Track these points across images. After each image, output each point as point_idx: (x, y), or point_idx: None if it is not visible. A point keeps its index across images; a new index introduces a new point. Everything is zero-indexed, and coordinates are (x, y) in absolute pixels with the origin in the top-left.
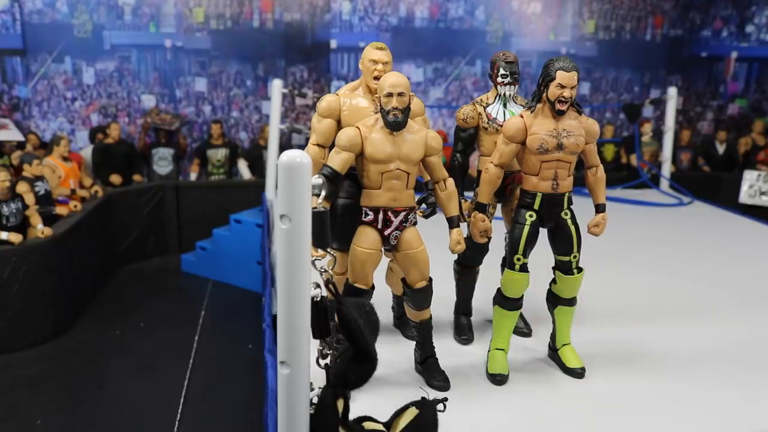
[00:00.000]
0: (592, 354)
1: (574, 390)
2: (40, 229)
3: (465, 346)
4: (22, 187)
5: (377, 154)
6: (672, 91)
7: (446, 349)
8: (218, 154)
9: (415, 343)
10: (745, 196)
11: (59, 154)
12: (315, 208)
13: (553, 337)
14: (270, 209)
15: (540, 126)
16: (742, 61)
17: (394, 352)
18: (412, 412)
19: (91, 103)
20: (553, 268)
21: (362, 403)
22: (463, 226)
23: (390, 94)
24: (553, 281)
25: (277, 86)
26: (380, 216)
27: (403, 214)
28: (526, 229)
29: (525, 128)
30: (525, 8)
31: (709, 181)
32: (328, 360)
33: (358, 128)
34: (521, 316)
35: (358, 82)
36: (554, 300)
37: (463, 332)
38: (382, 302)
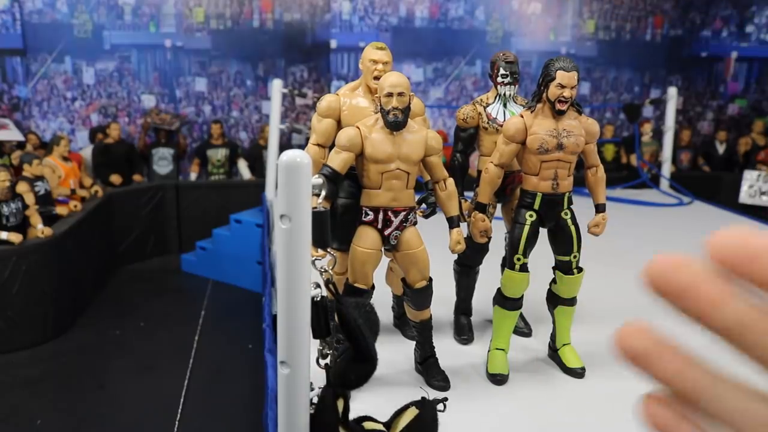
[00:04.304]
0: (592, 354)
1: (574, 390)
2: (40, 229)
3: (465, 346)
4: (22, 187)
5: (377, 154)
6: (672, 91)
7: (446, 349)
8: (218, 154)
9: (415, 343)
10: (745, 196)
11: (59, 154)
12: (315, 208)
13: (553, 337)
14: (270, 209)
15: (540, 126)
16: (742, 61)
17: (394, 352)
18: (412, 412)
19: (91, 103)
20: (553, 268)
21: (362, 403)
22: (463, 226)
23: (390, 94)
24: (553, 281)
25: (277, 86)
26: (380, 216)
27: (403, 213)
28: (526, 229)
29: (525, 128)
30: (525, 8)
31: (709, 181)
32: (328, 360)
33: (358, 128)
34: (521, 316)
35: (358, 82)
36: (554, 300)
37: (463, 332)
38: (382, 302)
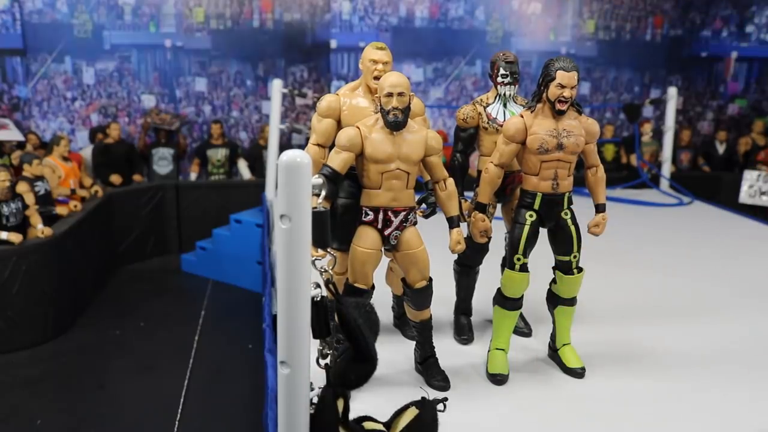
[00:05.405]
0: (592, 354)
1: (574, 390)
2: (40, 229)
3: (465, 346)
4: (22, 187)
5: (377, 154)
6: (672, 91)
7: (446, 349)
8: (218, 154)
9: (415, 343)
10: (745, 196)
11: (59, 154)
12: (315, 208)
13: (553, 337)
14: (270, 209)
15: (540, 126)
16: (742, 61)
17: (394, 352)
18: (412, 412)
19: (91, 103)
20: (553, 268)
21: (362, 403)
22: (463, 226)
23: (390, 94)
24: (553, 281)
25: (277, 86)
26: (380, 216)
27: (403, 213)
28: (526, 229)
29: (525, 128)
30: (525, 8)
31: (709, 181)
32: (328, 360)
33: (358, 128)
34: (521, 316)
35: (358, 82)
36: (554, 300)
37: (463, 332)
38: (382, 302)
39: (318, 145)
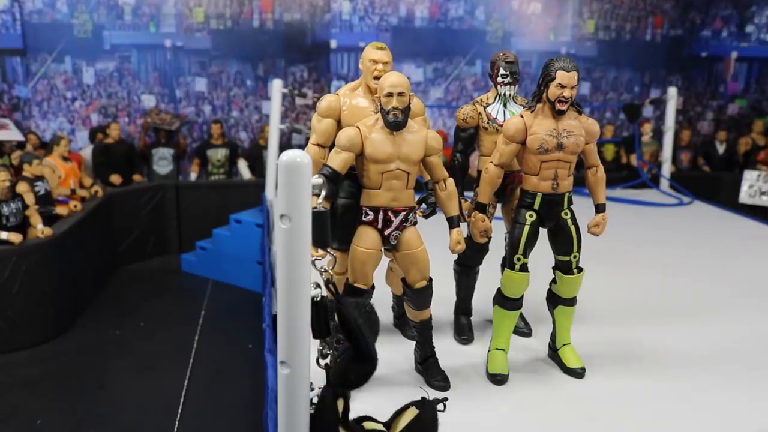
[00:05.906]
0: (592, 354)
1: (574, 390)
2: (40, 229)
3: (465, 346)
4: (22, 187)
5: (377, 154)
6: (672, 91)
7: (446, 349)
8: (218, 154)
9: (415, 343)
10: (745, 196)
11: (59, 154)
12: (315, 208)
13: (553, 337)
14: (270, 209)
15: (540, 126)
16: (742, 61)
17: (394, 352)
18: (412, 412)
19: (91, 103)
20: (553, 268)
21: (362, 403)
22: (463, 226)
23: (390, 94)
24: (553, 281)
25: (277, 86)
26: (380, 216)
27: (403, 213)
28: (526, 229)
29: (525, 128)
30: (525, 8)
31: (709, 181)
32: (328, 360)
33: (358, 128)
34: (521, 316)
35: (358, 82)
36: (554, 300)
37: (463, 332)
38: (382, 302)
39: (318, 145)
